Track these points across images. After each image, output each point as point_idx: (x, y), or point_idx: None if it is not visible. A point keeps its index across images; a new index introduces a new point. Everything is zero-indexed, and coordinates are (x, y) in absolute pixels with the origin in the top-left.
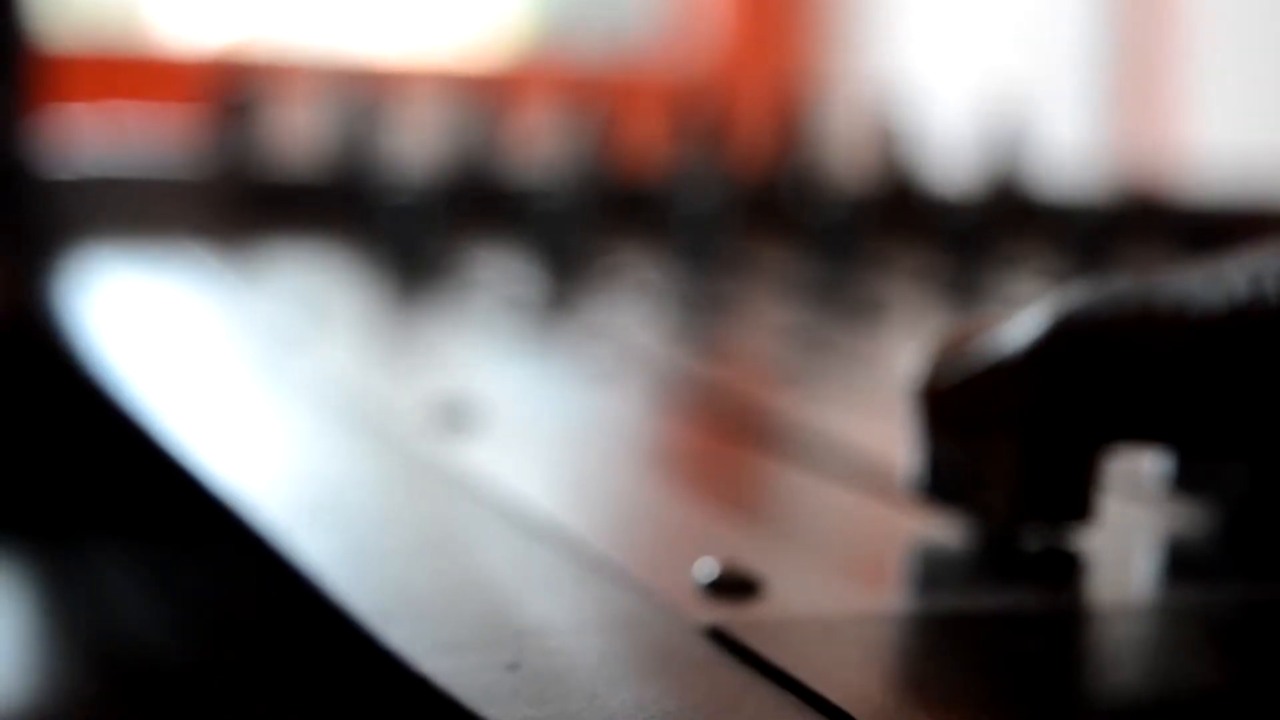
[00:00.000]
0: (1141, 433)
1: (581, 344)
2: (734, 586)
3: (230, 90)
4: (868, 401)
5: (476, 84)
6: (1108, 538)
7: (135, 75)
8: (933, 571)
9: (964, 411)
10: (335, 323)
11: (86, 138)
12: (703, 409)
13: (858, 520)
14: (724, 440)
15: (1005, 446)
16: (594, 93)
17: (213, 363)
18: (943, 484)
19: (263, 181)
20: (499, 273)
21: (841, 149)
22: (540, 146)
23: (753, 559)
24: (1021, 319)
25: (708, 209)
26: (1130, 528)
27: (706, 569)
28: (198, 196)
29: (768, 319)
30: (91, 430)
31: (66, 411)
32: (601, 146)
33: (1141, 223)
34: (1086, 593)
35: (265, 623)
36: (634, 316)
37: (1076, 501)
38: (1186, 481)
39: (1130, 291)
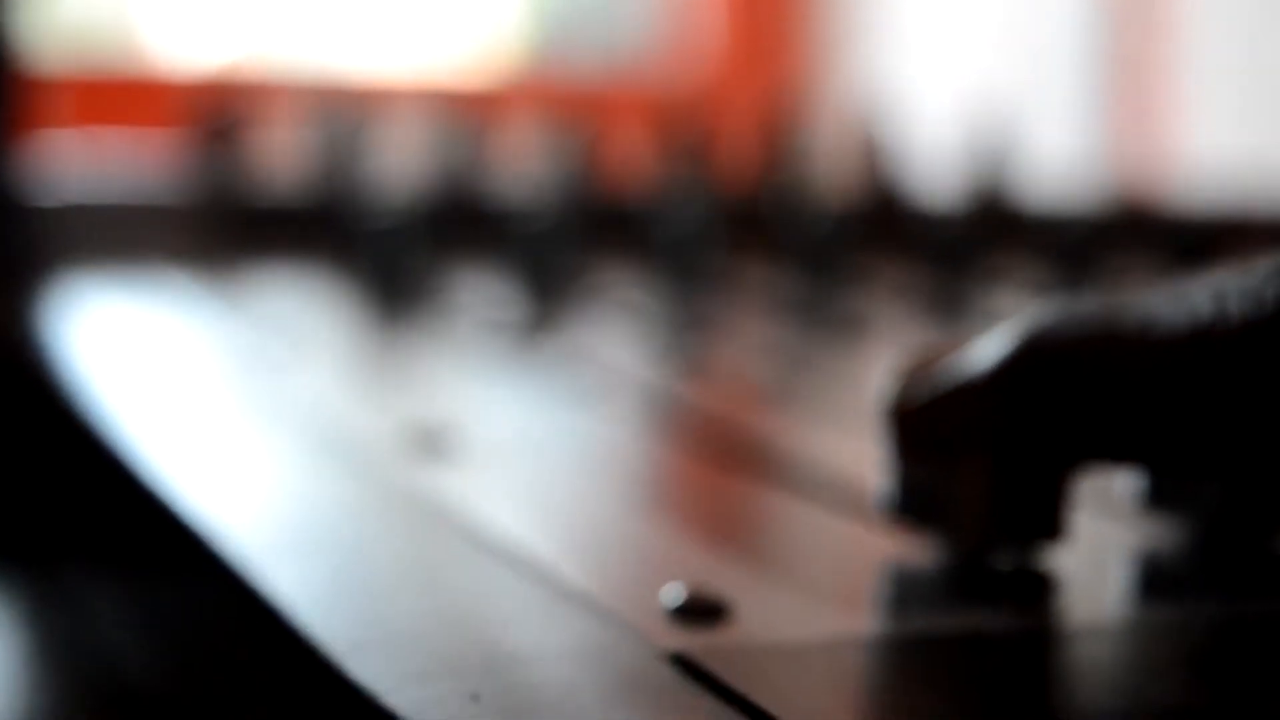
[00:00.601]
0: (1110, 452)
1: (563, 366)
2: (701, 612)
3: (215, 114)
4: (847, 421)
5: (463, 102)
6: (1080, 556)
7: (121, 97)
8: (904, 594)
9: (933, 432)
10: (316, 348)
11: (71, 163)
12: (682, 431)
13: (830, 542)
14: (701, 463)
15: (975, 467)
16: (581, 110)
17: (193, 389)
18: (914, 504)
19: (246, 206)
20: (481, 295)
21: (827, 164)
22: (525, 165)
23: (722, 583)
24: (989, 339)
25: (692, 227)
26: (1103, 546)
27: (674, 594)
28: (181, 221)
29: (750, 337)
30: (74, 457)
31: (49, 438)
32: (586, 165)
33: (1129, 233)
34: (1058, 612)
35: (241, 651)
36: (616, 337)
37: (1047, 521)
38: (1159, 499)
39: (1096, 312)
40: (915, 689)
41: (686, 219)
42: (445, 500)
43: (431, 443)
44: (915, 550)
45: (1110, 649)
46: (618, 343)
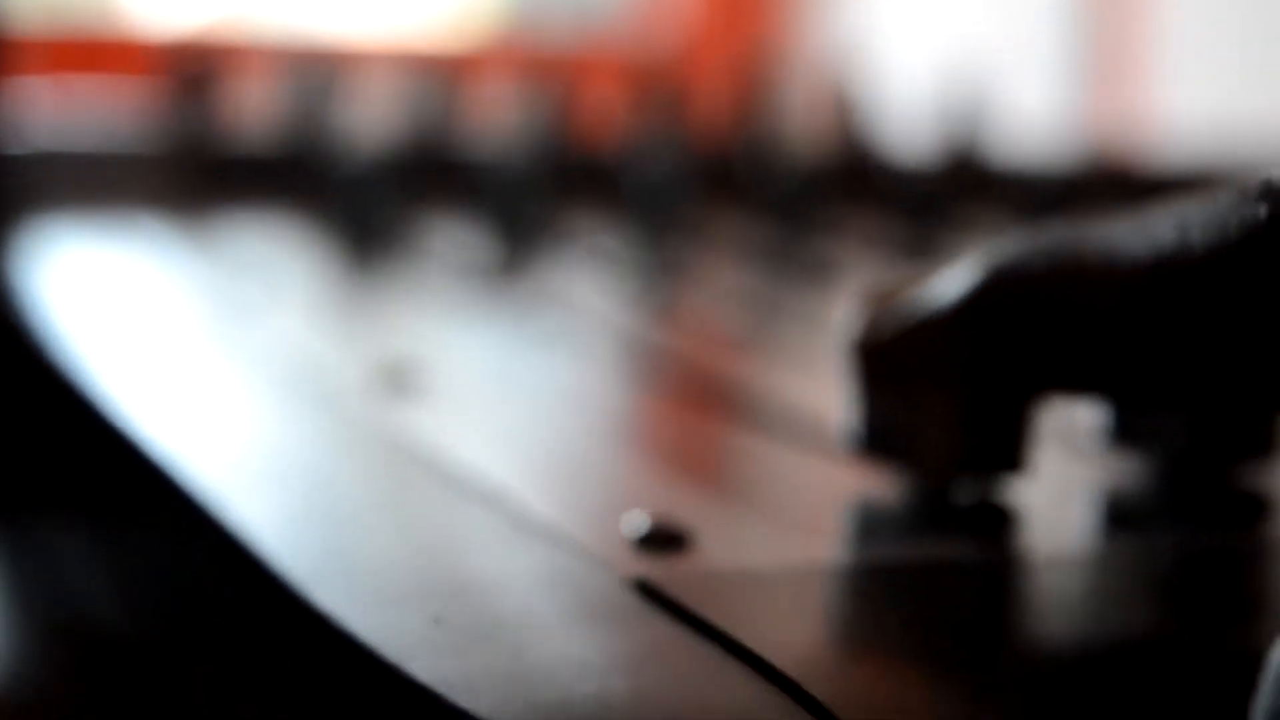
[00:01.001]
0: (1074, 383)
1: (532, 309)
2: (663, 540)
3: (188, 65)
4: (814, 362)
5: (438, 64)
6: (1044, 490)
7: (96, 53)
8: (866, 525)
9: (897, 365)
10: (287, 292)
11: (42, 112)
12: (652, 372)
13: (794, 476)
14: (669, 401)
15: (939, 399)
16: (556, 71)
17: (165, 333)
18: (878, 438)
19: (218, 154)
20: (452, 241)
21: (800, 118)
22: (499, 121)
23: (685, 514)
24: (952, 272)
25: (664, 177)
26: (1067, 480)
27: (637, 523)
28: (153, 169)
29: (721, 283)
30: (45, 402)
31: (19, 384)
32: (559, 118)
33: (1101, 188)
34: (1022, 544)
35: (209, 588)
36: (587, 282)
37: (1011, 453)
38: (1122, 434)
39: (1059, 243)
40: (877, 616)
41: (659, 170)
42: (413, 436)
43: (401, 381)
44: (880, 483)
45: (1072, 580)
46: (589, 287)
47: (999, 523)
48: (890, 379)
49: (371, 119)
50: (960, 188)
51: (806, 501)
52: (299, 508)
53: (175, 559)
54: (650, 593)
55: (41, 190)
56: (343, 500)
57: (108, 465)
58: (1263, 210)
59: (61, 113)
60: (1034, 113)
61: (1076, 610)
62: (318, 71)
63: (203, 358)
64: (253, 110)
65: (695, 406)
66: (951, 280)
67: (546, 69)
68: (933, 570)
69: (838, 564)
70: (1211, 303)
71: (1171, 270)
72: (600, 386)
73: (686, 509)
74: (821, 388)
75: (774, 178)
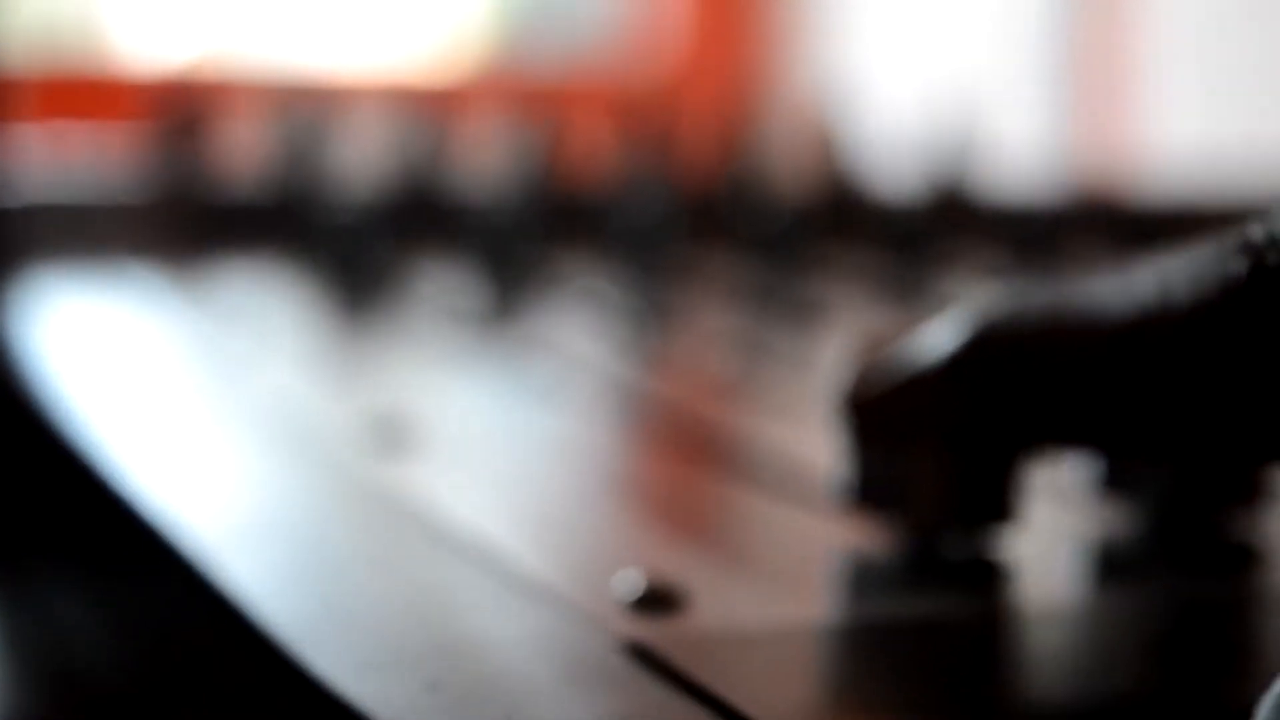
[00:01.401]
0: (1062, 437)
1: (523, 357)
2: (657, 601)
3: (177, 110)
4: (804, 409)
5: (427, 98)
6: (1034, 542)
7: (86, 95)
8: (859, 582)
9: (887, 419)
10: (278, 341)
11: (33, 160)
12: (641, 421)
13: (787, 531)
14: (659, 453)
15: (928, 453)
16: (544, 104)
17: (155, 384)
18: (868, 492)
19: (208, 201)
20: (442, 286)
21: (785, 155)
22: (488, 159)
23: (678, 572)
24: (940, 325)
25: (652, 218)
26: (1056, 531)
27: (630, 583)
28: (143, 218)
29: (708, 325)
30: (37, 453)
31: (12, 435)
32: (547, 158)
33: (1088, 223)
34: (1013, 598)
35: (201, 645)
36: (576, 327)
37: (1001, 507)
38: (1112, 484)
39: (1045, 299)
40: (869, 676)
41: (647, 210)
42: (404, 491)
43: (391, 434)
44: (872, 538)
45: (1064, 634)
46: (578, 332)
47: (990, 577)
48: (880, 434)
49: (360, 159)
50: (947, 224)
51: (799, 558)
52: (291, 565)
53: (166, 610)
54: (643, 655)
55: (32, 242)
56: (336, 558)
57: (102, 519)
58: (1242, 265)
59: (50, 161)
60: (1021, 146)
61: (1069, 666)
62: (306, 111)
63: (194, 411)
64: (241, 152)
65: (686, 459)
66: (940, 334)
67: (534, 102)
68: (927, 628)
69: (831, 623)
70: (1195, 358)
71: (1155, 327)
72: (591, 438)
73: (679, 567)
74: (812, 436)
75: (760, 216)
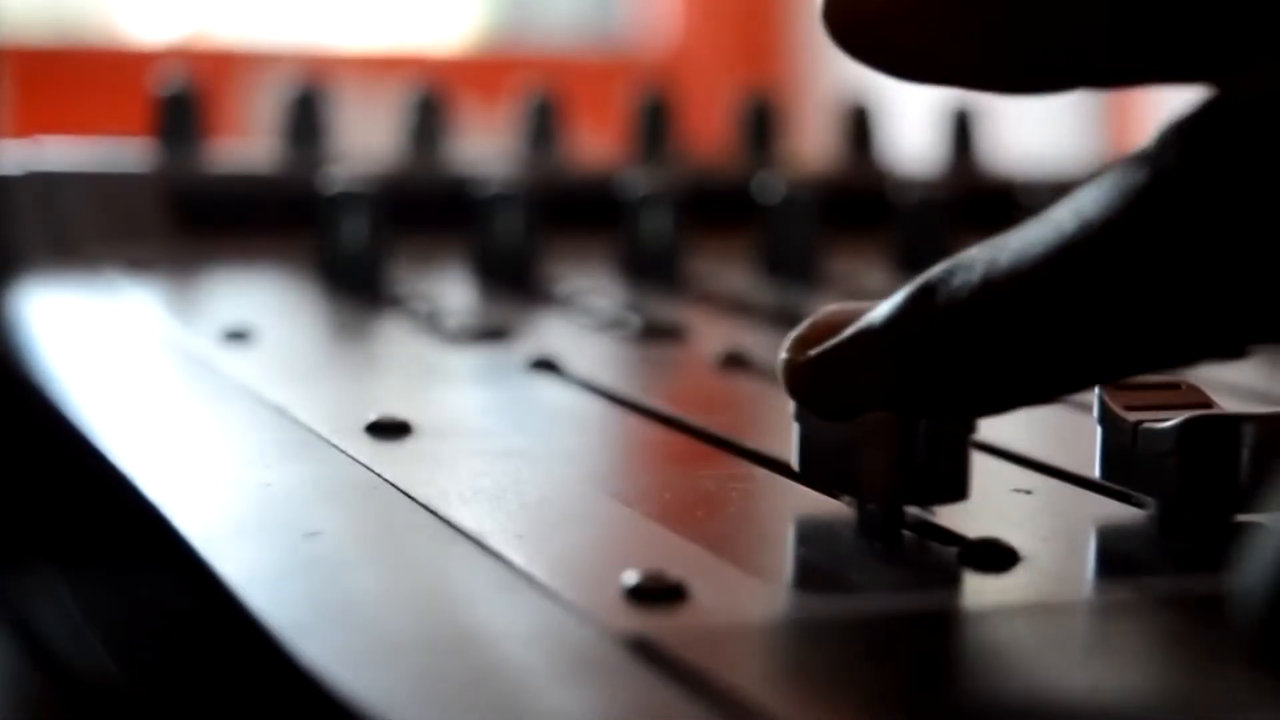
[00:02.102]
0: (1011, 394)
1: (522, 353)
2: (657, 594)
3: (174, 85)
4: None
5: (427, 72)
6: (1038, 533)
7: (86, 67)
8: (859, 572)
9: (834, 392)
10: (273, 334)
11: (26, 149)
12: (643, 418)
13: (784, 524)
14: (657, 455)
15: (877, 425)
16: (547, 85)
17: (146, 377)
18: (826, 467)
19: (204, 186)
20: (441, 285)
21: (805, 155)
22: (488, 147)
23: (678, 567)
24: (888, 298)
25: (658, 221)
26: (1062, 523)
27: (629, 577)
28: (137, 206)
29: (713, 334)
30: (29, 450)
31: (9, 430)
32: (552, 150)
33: None
34: (1017, 591)
35: (194, 640)
36: (576, 334)
37: (954, 478)
38: (1119, 479)
39: (978, 254)
40: (874, 669)
41: (651, 202)
42: (399, 486)
43: (387, 429)
44: (844, 516)
45: (1069, 627)
46: (577, 339)
47: (994, 566)
48: (829, 406)
49: (359, 138)
50: (970, 224)
51: (799, 549)
52: (285, 558)
53: (159, 606)
54: (645, 648)
55: (23, 231)
56: (329, 550)
57: (89, 512)
58: (1144, 175)
59: (45, 150)
60: (1044, 146)
61: (1075, 659)
62: (306, 91)
63: (184, 403)
64: (242, 129)
65: (682, 451)
66: (884, 305)
67: (538, 83)
68: (932, 619)
69: (832, 615)
70: (1116, 274)
71: (1074, 253)
72: (588, 435)
73: (678, 560)
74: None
75: (772, 210)
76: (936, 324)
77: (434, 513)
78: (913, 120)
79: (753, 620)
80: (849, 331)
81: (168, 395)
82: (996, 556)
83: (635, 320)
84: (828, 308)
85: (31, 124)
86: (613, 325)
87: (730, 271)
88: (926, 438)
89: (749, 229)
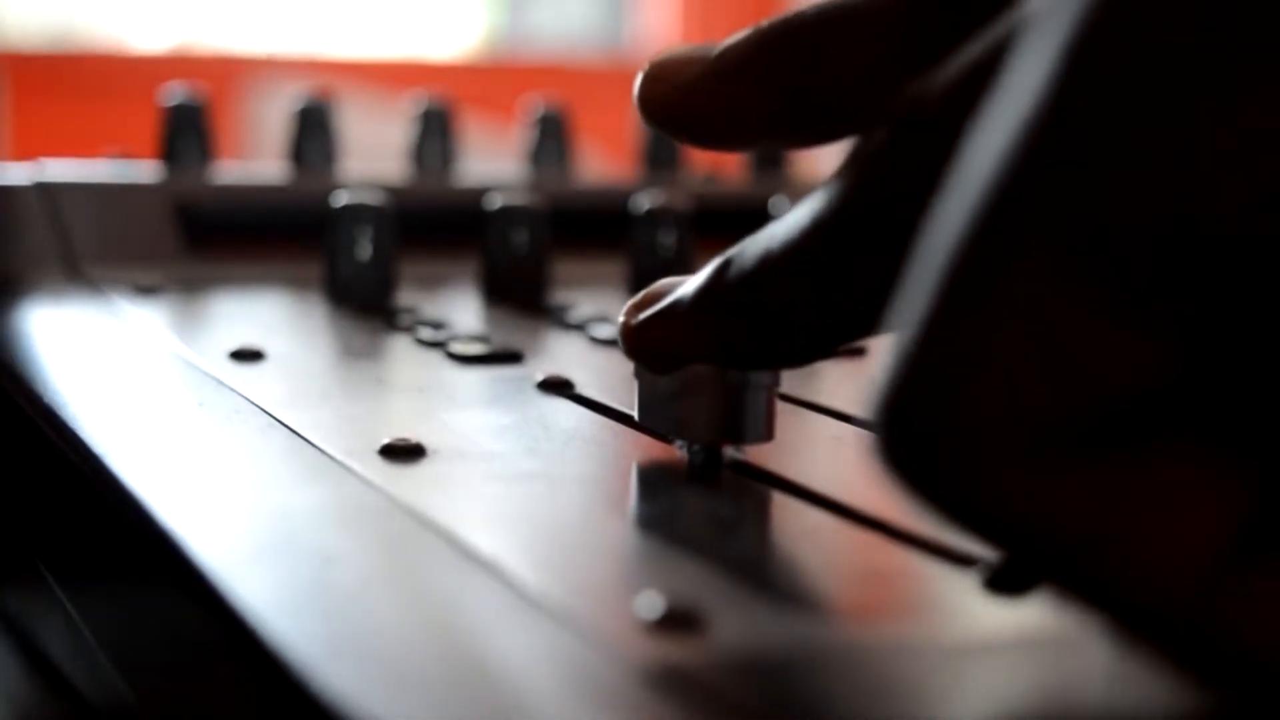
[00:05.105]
0: (799, 349)
1: (534, 375)
2: (677, 622)
3: (179, 98)
4: (827, 426)
5: (432, 80)
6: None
7: (87, 73)
8: (909, 598)
9: (658, 350)
10: (285, 355)
11: (33, 161)
12: (651, 448)
13: (808, 550)
14: (670, 478)
15: (694, 377)
16: (553, 96)
17: (157, 398)
18: (657, 416)
19: (207, 201)
20: (452, 303)
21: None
22: (496, 161)
23: (696, 593)
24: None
25: (664, 234)
26: None
27: (649, 604)
28: (144, 221)
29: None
30: (37, 470)
31: (12, 450)
32: (561, 165)
33: None
34: (1022, 620)
35: (208, 666)
36: (587, 354)
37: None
38: None
39: (769, 228)
40: (897, 695)
41: (661, 218)
42: (414, 512)
43: (401, 452)
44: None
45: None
46: (589, 359)
47: (1013, 591)
48: (655, 361)
49: (363, 147)
50: None
51: (821, 574)
52: (301, 586)
53: (171, 631)
54: (666, 676)
55: (29, 246)
56: (346, 578)
57: (100, 536)
58: (883, 132)
59: (51, 164)
60: None
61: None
62: (311, 105)
63: (196, 425)
64: (245, 137)
65: (697, 480)
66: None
67: (540, 93)
68: (971, 648)
69: (854, 642)
70: (867, 229)
71: (831, 213)
72: (602, 459)
73: (697, 587)
74: (829, 450)
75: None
76: (730, 291)
77: (450, 538)
78: None
79: (773, 646)
80: (670, 298)
81: (177, 416)
82: None
83: None
84: (662, 280)
85: (30, 130)
86: None
87: None
88: (736, 387)
89: None
